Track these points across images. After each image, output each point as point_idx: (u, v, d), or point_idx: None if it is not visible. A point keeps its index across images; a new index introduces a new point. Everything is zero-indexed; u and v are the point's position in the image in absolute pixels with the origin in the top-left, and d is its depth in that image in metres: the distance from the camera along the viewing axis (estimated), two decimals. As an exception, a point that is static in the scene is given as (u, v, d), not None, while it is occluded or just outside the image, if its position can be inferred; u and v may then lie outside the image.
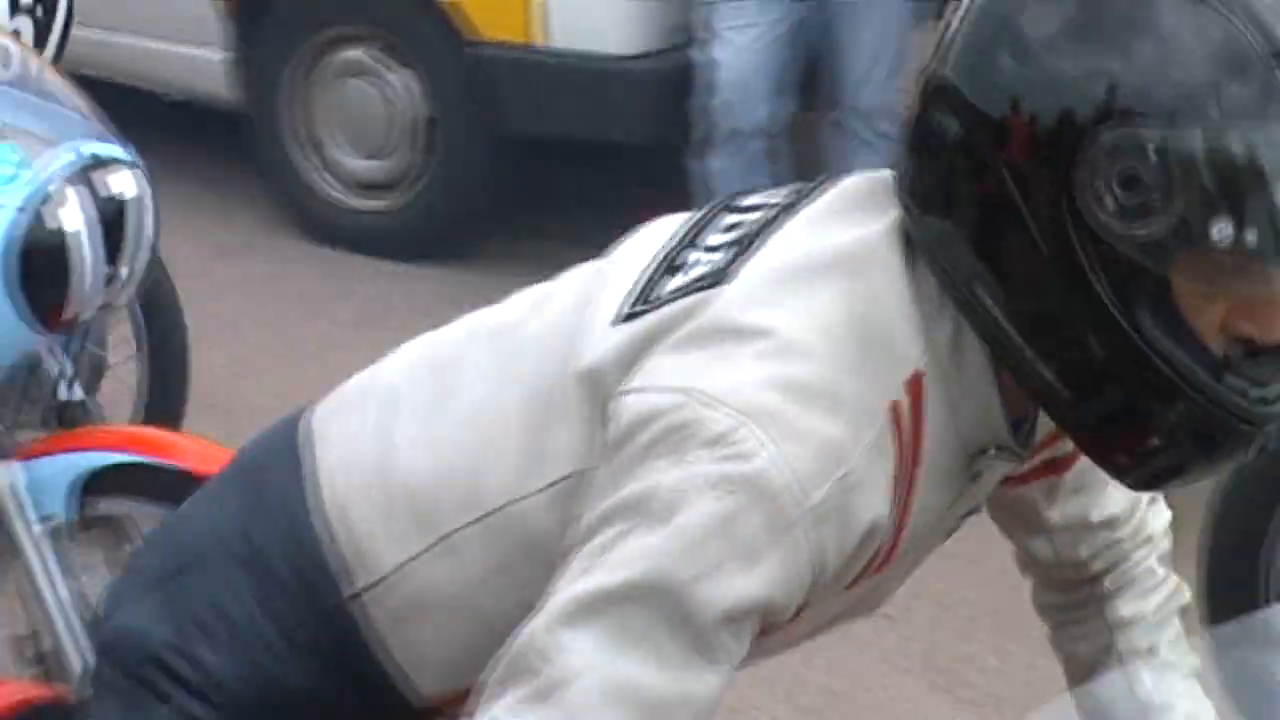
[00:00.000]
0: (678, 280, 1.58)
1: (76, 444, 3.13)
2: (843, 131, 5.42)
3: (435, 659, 1.68)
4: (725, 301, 1.51)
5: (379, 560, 1.64)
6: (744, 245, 1.57)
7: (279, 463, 1.75)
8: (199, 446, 3.14)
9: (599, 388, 1.54)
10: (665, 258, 1.61)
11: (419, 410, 1.67)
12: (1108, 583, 1.95)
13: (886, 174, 1.62)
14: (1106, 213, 1.42)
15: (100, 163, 3.06)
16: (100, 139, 3.12)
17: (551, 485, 1.56)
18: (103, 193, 3.02)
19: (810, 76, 5.49)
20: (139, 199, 3.09)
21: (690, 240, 1.64)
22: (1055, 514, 1.82)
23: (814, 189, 1.64)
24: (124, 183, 3.08)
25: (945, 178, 1.53)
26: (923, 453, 1.51)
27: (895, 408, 1.48)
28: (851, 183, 1.65)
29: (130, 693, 1.77)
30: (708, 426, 1.41)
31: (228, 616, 1.70)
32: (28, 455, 3.07)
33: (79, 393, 3.22)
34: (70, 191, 2.97)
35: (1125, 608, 1.96)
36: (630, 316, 1.57)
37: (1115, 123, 1.40)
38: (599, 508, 1.47)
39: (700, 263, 1.58)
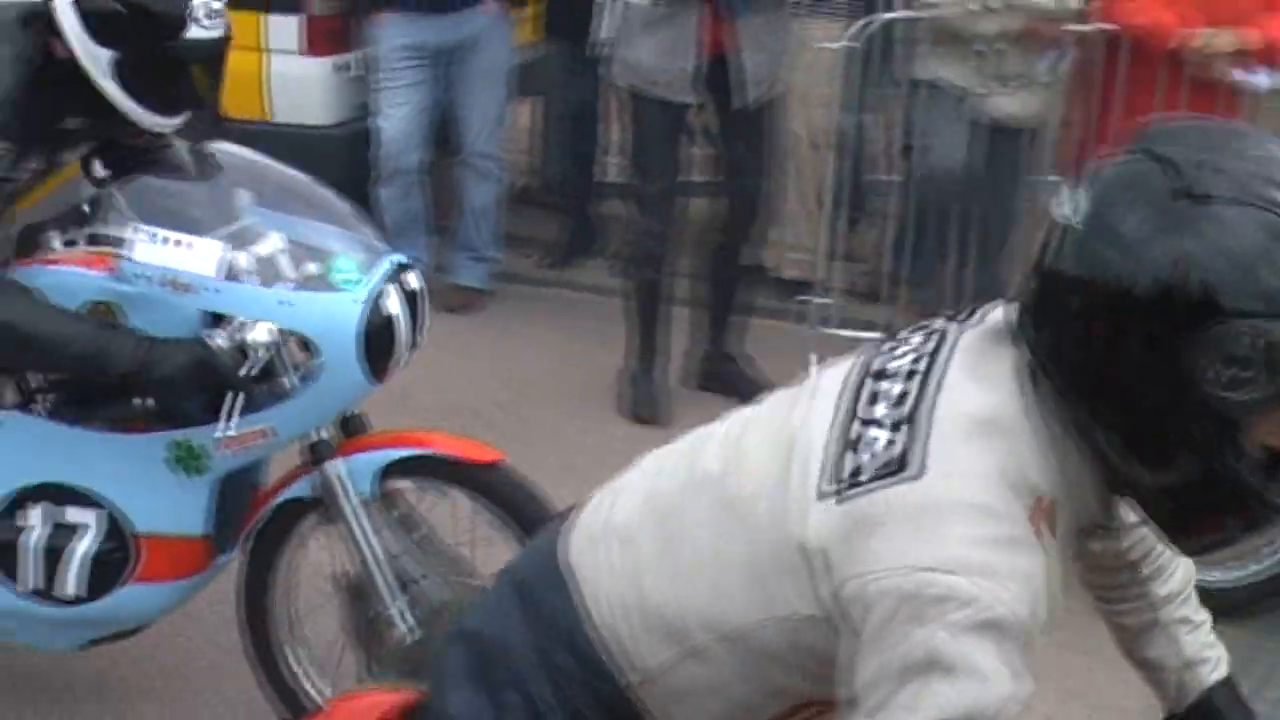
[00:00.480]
0: (863, 459, 1.84)
1: (374, 444, 3.84)
2: (465, 167, 7.42)
3: (695, 710, 2.05)
4: (923, 489, 1.78)
5: (644, 663, 2.01)
6: (912, 424, 1.83)
7: (550, 589, 2.09)
8: (455, 440, 3.93)
9: (820, 557, 1.83)
10: (841, 435, 1.88)
11: (655, 555, 2.00)
12: (1144, 568, 2.25)
13: (996, 325, 1.93)
14: (1210, 383, 1.69)
15: (403, 267, 3.77)
16: (395, 250, 3.87)
17: (778, 619, 1.89)
18: (406, 287, 3.73)
19: (444, 133, 7.40)
20: (424, 289, 3.82)
21: (853, 414, 1.90)
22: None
23: (938, 348, 1.92)
24: (416, 279, 3.79)
25: (1069, 344, 1.80)
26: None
27: (1039, 530, 1.80)
28: (973, 343, 1.93)
29: None
30: (958, 592, 1.71)
31: (533, 704, 2.05)
32: (344, 453, 3.77)
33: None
34: (391, 288, 3.67)
35: (1161, 588, 2.26)
36: (830, 494, 1.84)
37: (1218, 318, 1.67)
38: (877, 671, 1.76)
39: (875, 441, 1.84)
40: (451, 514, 3.96)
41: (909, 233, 6.34)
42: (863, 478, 1.83)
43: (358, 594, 3.81)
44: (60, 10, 3.48)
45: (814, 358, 5.43)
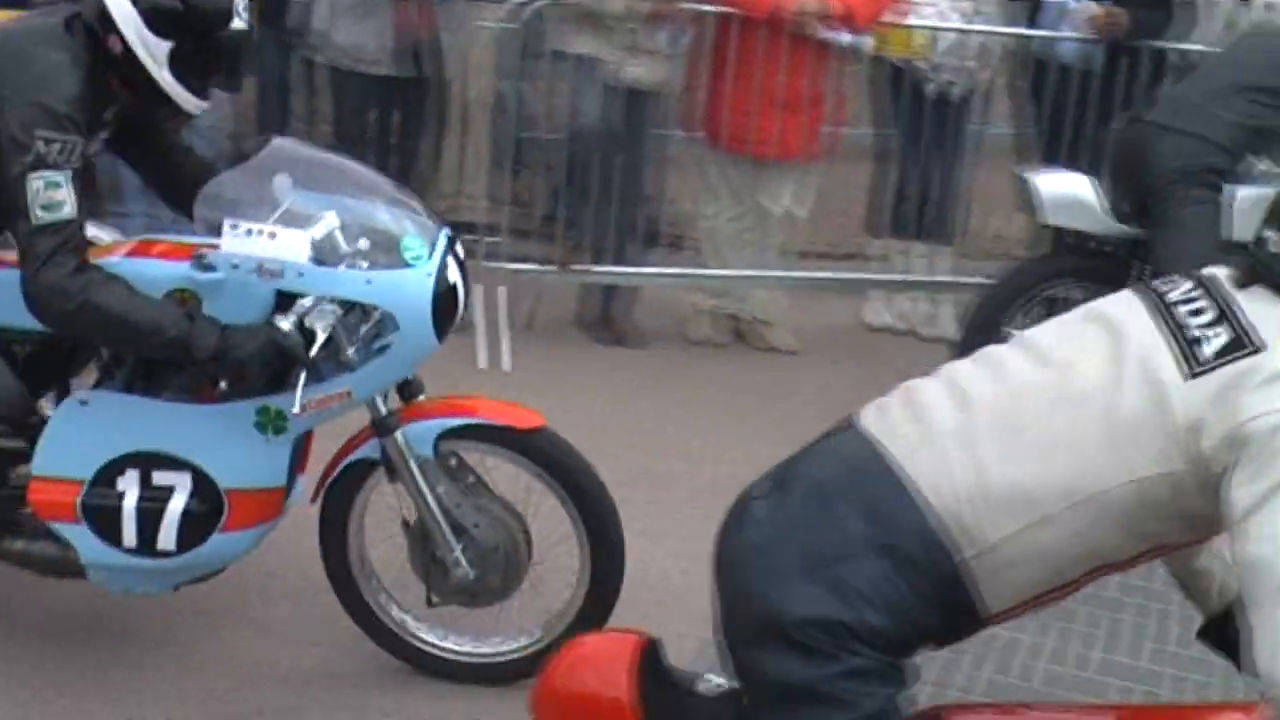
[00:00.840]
0: (1212, 348, 2.32)
1: (430, 413, 4.30)
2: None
3: (1013, 592, 2.44)
4: (1269, 356, 2.28)
5: (983, 538, 2.38)
6: (1235, 321, 2.34)
7: (877, 486, 2.43)
8: (508, 407, 4.39)
9: (1192, 422, 2.29)
10: (1178, 335, 2.37)
11: (1000, 444, 2.40)
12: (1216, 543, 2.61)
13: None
14: None
15: (450, 239, 4.28)
16: (444, 225, 4.32)
17: (1137, 480, 2.33)
18: (457, 256, 4.26)
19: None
20: (466, 259, 4.35)
21: (1178, 324, 2.39)
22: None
23: (1210, 287, 2.43)
24: (461, 249, 4.34)
25: None
26: None
27: None
28: (1226, 275, 2.45)
29: (802, 649, 2.37)
30: None
31: (882, 590, 2.37)
32: (405, 421, 4.24)
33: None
34: (450, 259, 4.18)
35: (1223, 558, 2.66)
36: (1195, 375, 2.31)
37: None
38: (1263, 487, 2.20)
39: (1212, 336, 2.34)
40: (501, 470, 4.50)
41: (563, 181, 7.44)
42: (1218, 359, 2.31)
43: (421, 538, 4.39)
44: (118, 10, 3.88)
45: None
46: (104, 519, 4.16)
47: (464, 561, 4.36)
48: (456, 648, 4.65)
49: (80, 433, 4.15)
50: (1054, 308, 5.78)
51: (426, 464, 4.29)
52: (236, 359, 3.86)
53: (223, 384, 4.05)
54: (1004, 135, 8.45)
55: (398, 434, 4.25)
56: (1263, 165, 6.05)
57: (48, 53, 3.88)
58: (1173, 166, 5.80)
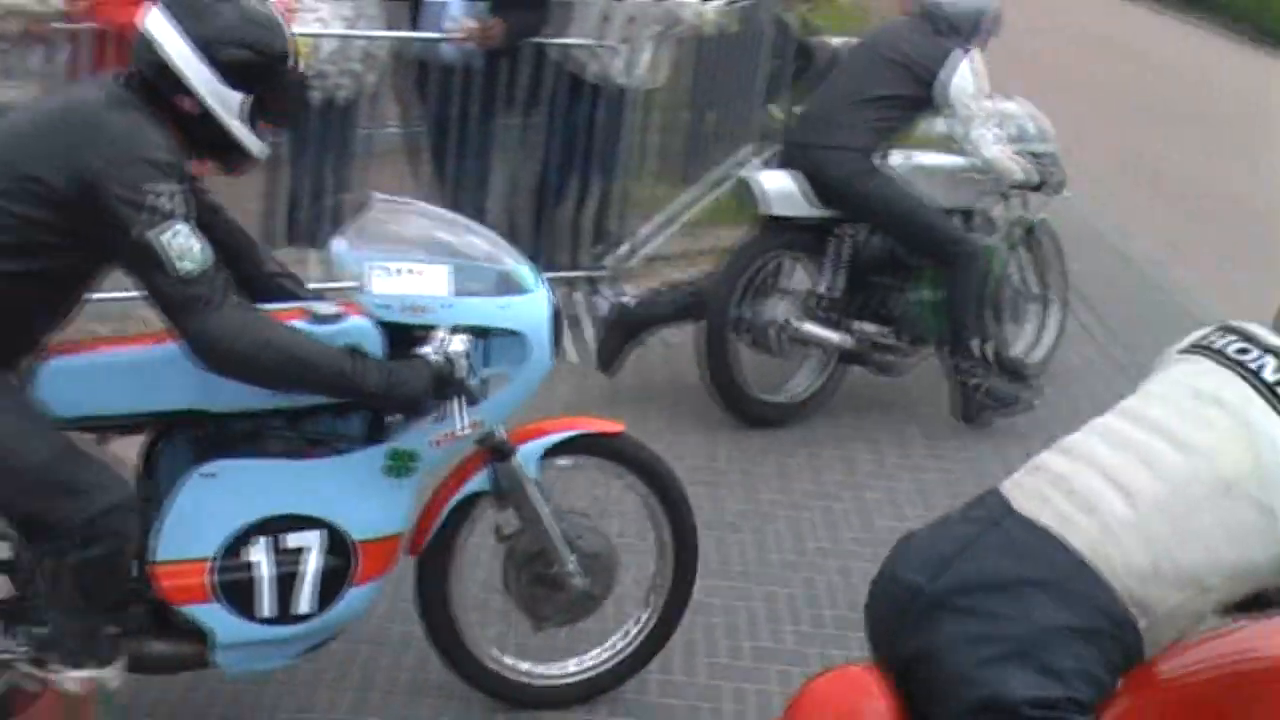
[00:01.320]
0: None
1: (531, 434, 4.45)
2: None
3: (1164, 644, 2.94)
4: None
5: (1154, 610, 2.85)
6: None
7: (1067, 573, 2.84)
8: (590, 418, 4.69)
9: None
10: (1257, 387, 2.92)
11: (1170, 534, 2.85)
12: None
13: None
14: None
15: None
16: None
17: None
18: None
19: None
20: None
21: (1249, 372, 2.94)
22: None
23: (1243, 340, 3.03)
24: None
25: None
26: None
27: None
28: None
29: None
30: None
31: (1084, 665, 2.80)
32: (516, 444, 4.37)
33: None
34: (543, 285, 4.39)
35: None
36: None
37: None
38: None
39: None
40: (590, 480, 4.80)
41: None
42: None
43: (533, 558, 4.47)
44: (189, 68, 3.75)
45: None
46: (238, 592, 4.03)
47: (579, 572, 4.48)
48: (552, 672, 4.77)
49: (207, 507, 4.00)
50: (777, 277, 7.33)
51: (538, 483, 4.40)
52: (407, 392, 3.90)
53: (393, 416, 4.11)
54: (393, 136, 8.60)
55: (517, 460, 4.34)
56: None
57: (122, 114, 3.71)
58: (839, 175, 7.06)
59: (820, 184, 7.10)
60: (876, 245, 7.28)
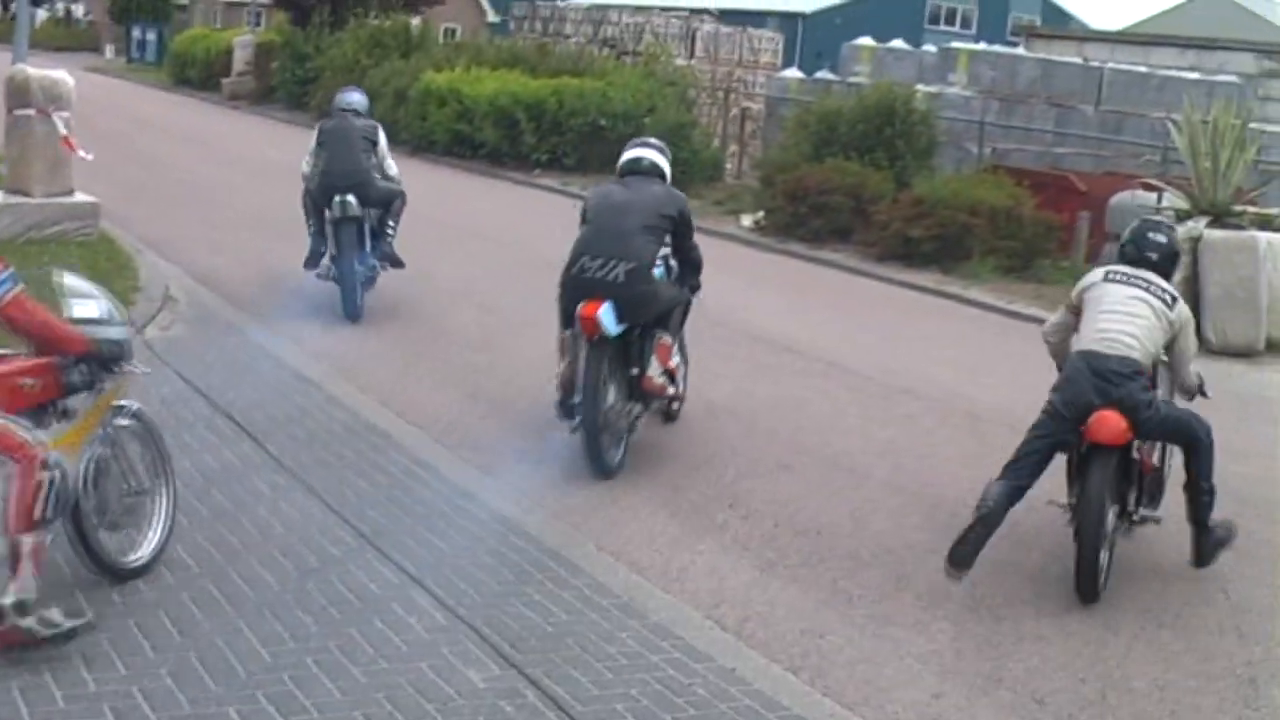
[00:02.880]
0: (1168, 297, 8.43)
1: None
2: None
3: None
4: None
5: (1149, 365, 8.40)
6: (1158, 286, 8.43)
7: (1129, 363, 8.17)
8: None
9: (1175, 319, 8.54)
10: (1149, 290, 8.43)
11: (1147, 338, 8.39)
12: None
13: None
14: None
15: None
16: None
17: (1159, 343, 8.47)
18: None
19: None
20: None
21: (1142, 285, 8.41)
22: None
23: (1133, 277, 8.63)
24: None
25: None
26: None
27: None
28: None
29: None
30: None
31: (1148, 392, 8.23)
32: None
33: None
34: None
35: None
36: (1170, 307, 8.44)
37: None
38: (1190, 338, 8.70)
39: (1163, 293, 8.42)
40: None
41: None
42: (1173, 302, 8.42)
43: None
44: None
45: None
46: None
47: None
48: None
49: None
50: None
51: None
52: None
53: None
54: None
55: None
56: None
57: None
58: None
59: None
60: None
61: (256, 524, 7.85)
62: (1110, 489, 7.84)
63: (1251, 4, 60.38)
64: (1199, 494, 8.20)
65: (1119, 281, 8.37)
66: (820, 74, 31.92)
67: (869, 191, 21.42)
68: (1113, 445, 7.82)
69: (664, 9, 44.57)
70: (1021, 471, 7.93)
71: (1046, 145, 25.23)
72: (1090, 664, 7.13)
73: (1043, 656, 7.20)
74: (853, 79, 28.37)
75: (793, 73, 34.10)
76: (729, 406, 11.49)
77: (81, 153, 15.86)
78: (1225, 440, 8.57)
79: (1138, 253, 8.46)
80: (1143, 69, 27.06)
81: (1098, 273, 8.59)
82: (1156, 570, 8.50)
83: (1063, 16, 72.34)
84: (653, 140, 10.73)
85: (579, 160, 28.59)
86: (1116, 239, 19.06)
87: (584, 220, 9.90)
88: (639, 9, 44.15)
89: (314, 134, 14.23)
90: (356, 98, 14.49)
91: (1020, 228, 19.83)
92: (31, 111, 15.58)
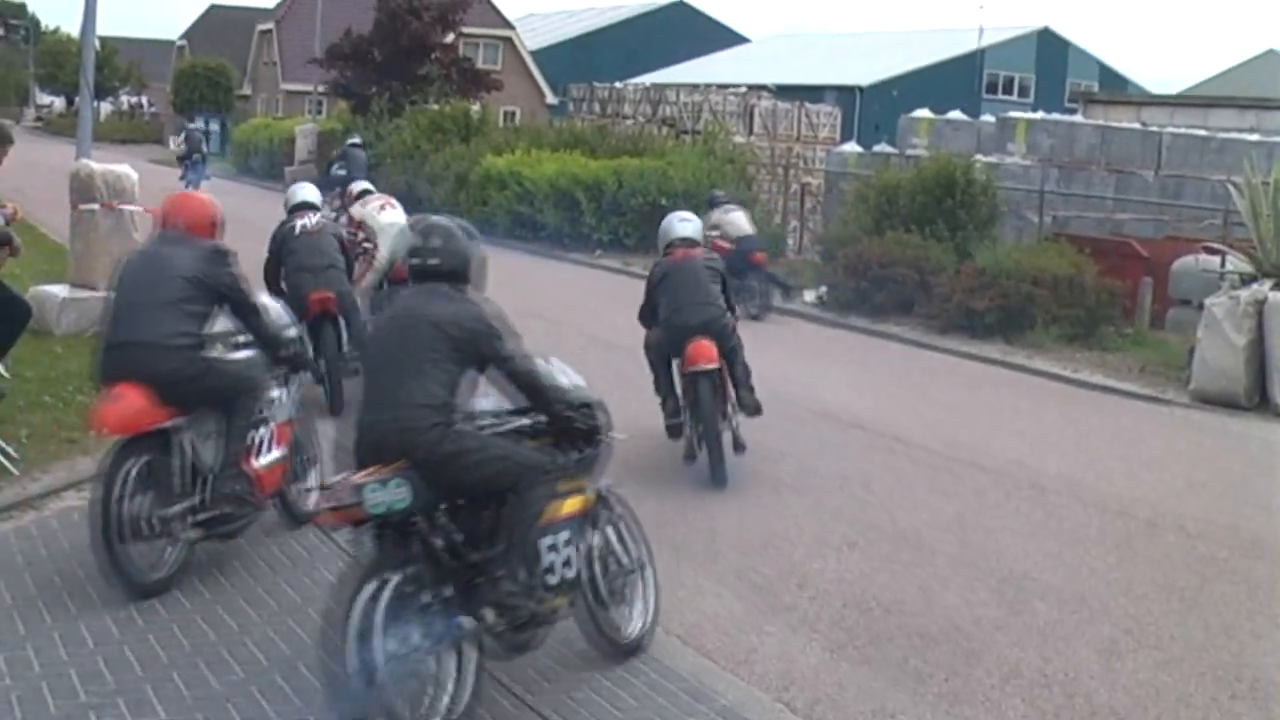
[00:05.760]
0: None
1: None
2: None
3: None
4: None
5: None
6: None
7: None
8: None
9: None
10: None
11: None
12: None
13: None
14: None
15: None
16: None
17: None
18: None
19: None
20: None
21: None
22: None
23: None
24: None
25: None
26: None
27: None
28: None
29: None
30: None
31: None
32: None
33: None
34: None
35: None
36: None
37: None
38: None
39: None
40: None
41: None
42: None
43: None
44: None
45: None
46: None
47: None
48: None
49: None
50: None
51: None
52: None
53: None
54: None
55: None
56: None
57: None
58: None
59: None
60: None
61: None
62: None
63: (1311, 63, 60.14)
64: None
65: None
66: (878, 147, 32.02)
67: (931, 264, 21.43)
68: None
69: (721, 86, 44.75)
70: None
71: (1107, 212, 25.26)
72: (1165, 738, 7.07)
73: (1116, 731, 7.14)
74: (911, 151, 28.43)
75: (851, 147, 34.26)
76: (794, 484, 11.46)
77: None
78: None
79: None
80: (1202, 132, 27.06)
81: None
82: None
83: (1120, 81, 72.26)
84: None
85: (640, 240, 28.62)
86: (1180, 304, 19.27)
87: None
88: (696, 87, 44.39)
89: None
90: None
91: (1083, 295, 19.77)
92: (96, 206, 15.79)
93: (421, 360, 6.48)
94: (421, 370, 6.46)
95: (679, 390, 11.88)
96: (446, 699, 6.18)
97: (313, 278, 13.20)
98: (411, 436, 6.33)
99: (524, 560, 6.50)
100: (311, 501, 8.98)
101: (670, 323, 11.81)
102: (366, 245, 15.31)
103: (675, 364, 11.90)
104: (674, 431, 11.96)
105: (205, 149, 45.20)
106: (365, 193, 16.63)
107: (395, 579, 6.14)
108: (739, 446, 11.71)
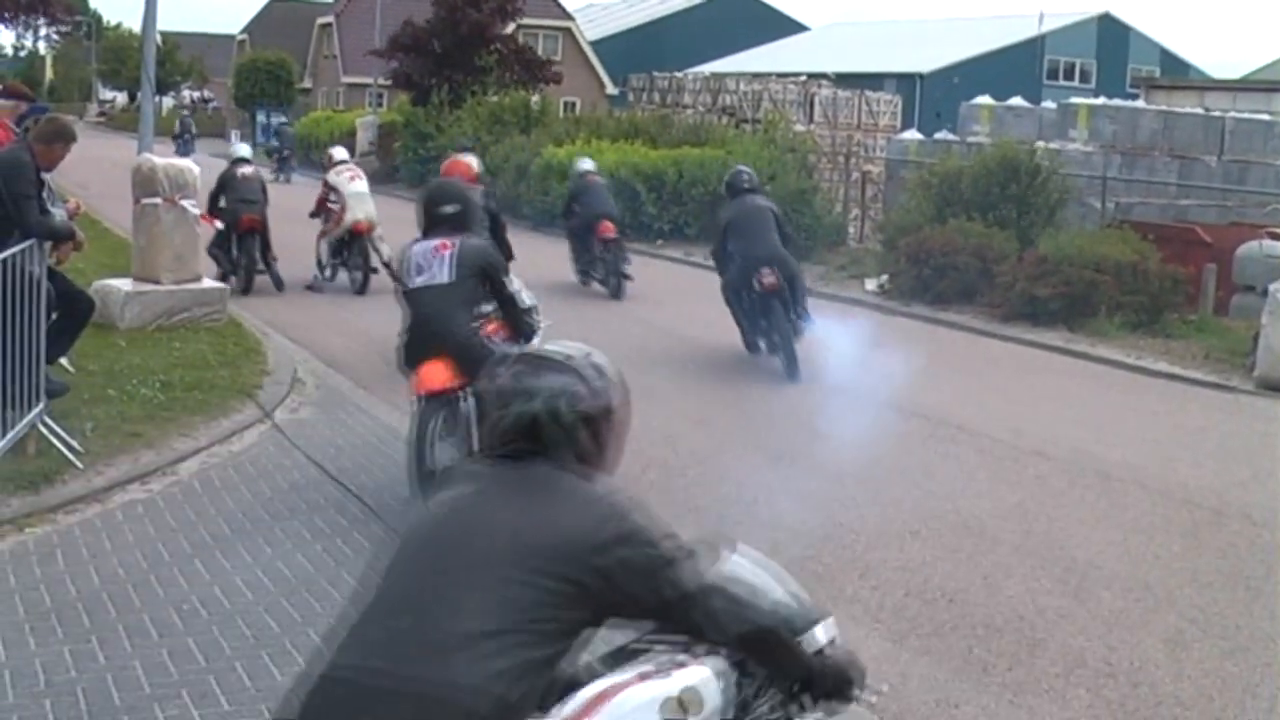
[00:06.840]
0: None
1: None
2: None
3: None
4: None
5: None
6: None
7: None
8: None
9: None
10: None
11: None
12: None
13: None
14: None
15: None
16: None
17: None
18: None
19: None
20: None
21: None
22: None
23: None
24: None
25: None
26: None
27: None
28: None
29: None
30: None
31: None
32: None
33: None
34: None
35: None
36: None
37: None
38: None
39: None
40: None
41: None
42: None
43: None
44: None
45: None
46: None
47: None
48: None
49: None
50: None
51: None
52: None
53: None
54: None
55: None
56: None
57: None
58: None
59: None
60: None
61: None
62: None
63: (1377, 46, 59.56)
64: None
65: None
66: (939, 135, 31.90)
67: (993, 251, 21.31)
68: None
69: (781, 75, 44.69)
70: None
71: (1170, 198, 25.10)
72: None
73: (1182, 721, 7.09)
74: (972, 138, 28.31)
75: (912, 134, 34.15)
76: (856, 473, 11.41)
77: (217, 224, 19.27)
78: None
79: None
80: (1265, 116, 26.87)
81: None
82: None
83: (1182, 66, 71.71)
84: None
85: (700, 230, 28.60)
86: (1245, 290, 19.12)
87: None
88: (756, 76, 44.36)
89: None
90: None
91: (1146, 282, 19.64)
92: (158, 200, 15.90)
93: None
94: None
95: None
96: None
97: (245, 206, 19.84)
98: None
99: None
100: None
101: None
102: (333, 205, 20.83)
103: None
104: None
105: (293, 147, 45.59)
106: (341, 163, 21.69)
107: None
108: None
